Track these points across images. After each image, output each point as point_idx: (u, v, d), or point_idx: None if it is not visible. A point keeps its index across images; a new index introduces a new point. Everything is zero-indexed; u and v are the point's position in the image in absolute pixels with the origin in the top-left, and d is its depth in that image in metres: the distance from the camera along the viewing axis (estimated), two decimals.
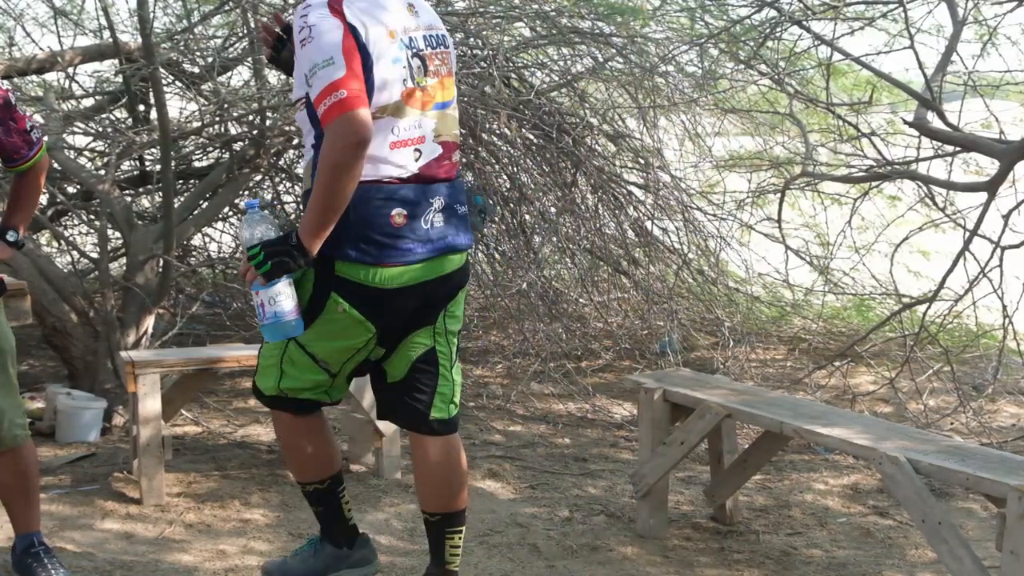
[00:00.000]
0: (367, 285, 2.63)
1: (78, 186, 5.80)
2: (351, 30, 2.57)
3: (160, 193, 5.04)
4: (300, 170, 2.71)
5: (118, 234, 5.29)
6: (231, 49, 5.68)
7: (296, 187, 6.52)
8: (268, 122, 5.23)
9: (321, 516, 2.99)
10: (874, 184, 5.77)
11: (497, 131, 5.83)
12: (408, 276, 2.67)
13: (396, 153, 2.64)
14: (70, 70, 5.87)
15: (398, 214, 2.65)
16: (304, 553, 3.03)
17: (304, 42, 2.54)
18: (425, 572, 2.93)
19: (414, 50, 2.69)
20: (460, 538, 2.90)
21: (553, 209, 6.04)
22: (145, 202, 6.47)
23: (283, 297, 2.60)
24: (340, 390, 2.89)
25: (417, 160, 2.68)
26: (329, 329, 2.69)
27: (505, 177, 6.18)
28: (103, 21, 5.43)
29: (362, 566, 3.02)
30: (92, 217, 5.93)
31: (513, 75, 5.84)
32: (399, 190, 2.64)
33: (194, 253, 6.19)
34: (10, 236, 3.16)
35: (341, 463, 2.99)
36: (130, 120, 6.01)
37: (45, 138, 3.64)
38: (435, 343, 2.81)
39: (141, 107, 5.90)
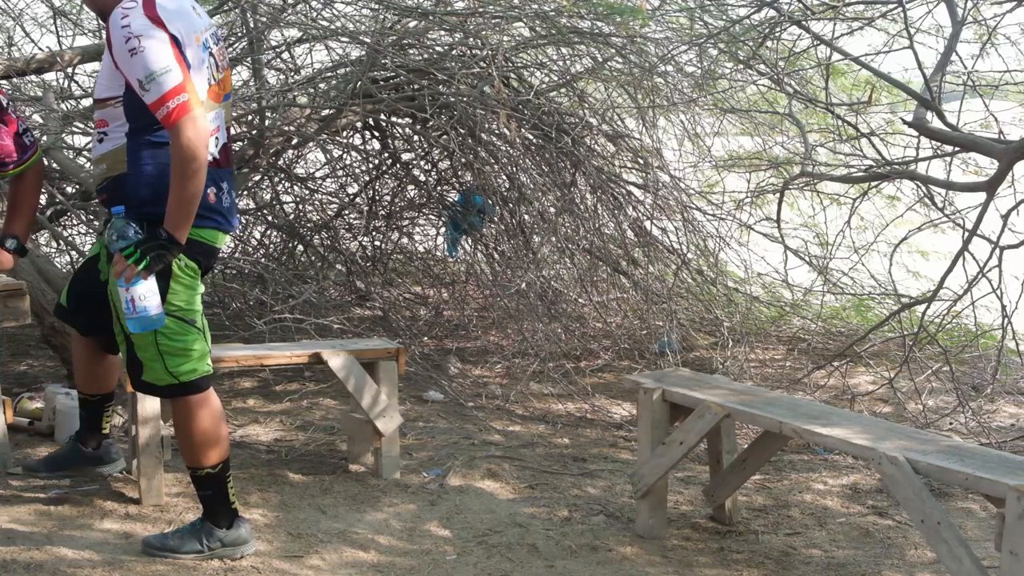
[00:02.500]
0: (194, 240, 3.13)
1: (77, 186, 5.79)
2: (174, 39, 3.00)
3: None
4: (102, 155, 3.20)
5: None
6: (230, 49, 5.67)
7: (295, 186, 6.52)
8: (267, 122, 5.23)
9: (209, 499, 3.36)
10: (873, 184, 5.76)
11: (496, 131, 5.83)
12: (219, 241, 3.29)
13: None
14: (69, 70, 5.87)
15: (212, 192, 3.17)
16: (184, 530, 3.39)
17: (134, 51, 2.94)
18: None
19: (208, 50, 3.15)
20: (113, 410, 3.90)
21: (552, 209, 6.04)
22: None
23: (151, 294, 3.02)
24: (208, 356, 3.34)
25: (216, 147, 3.20)
26: (182, 282, 3.17)
27: (504, 177, 6.18)
28: (102, 21, 5.43)
29: (238, 545, 3.37)
30: (92, 217, 5.93)
31: (512, 75, 5.84)
32: (212, 172, 3.12)
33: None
34: (9, 244, 3.13)
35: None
36: None
37: (44, 139, 3.63)
38: None
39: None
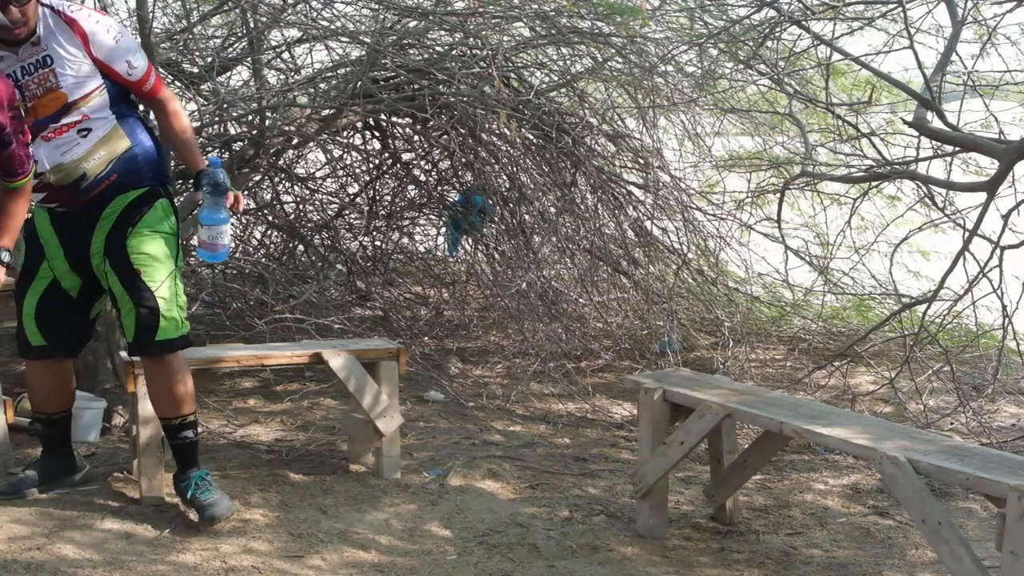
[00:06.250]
0: None
1: None
2: None
3: None
4: (86, 153, 3.47)
5: None
6: (230, 49, 5.68)
7: (296, 186, 6.52)
8: (267, 122, 5.23)
9: (191, 445, 3.60)
10: (874, 184, 5.76)
11: (496, 131, 5.82)
12: None
13: None
14: None
15: None
16: (202, 494, 3.57)
17: (117, 38, 3.41)
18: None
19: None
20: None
21: (553, 209, 6.04)
22: None
23: None
24: None
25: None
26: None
27: (505, 177, 6.18)
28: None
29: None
30: None
31: (512, 75, 5.84)
32: None
33: (194, 253, 6.18)
34: (4, 256, 3.12)
35: None
36: None
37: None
38: None
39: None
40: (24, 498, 3.70)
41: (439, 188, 6.66)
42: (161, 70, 3.66)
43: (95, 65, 3.39)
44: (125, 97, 3.51)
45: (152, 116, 3.80)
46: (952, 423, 5.05)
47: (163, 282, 3.47)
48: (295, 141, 5.65)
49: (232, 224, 3.68)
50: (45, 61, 3.35)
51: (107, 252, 3.50)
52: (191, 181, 5.20)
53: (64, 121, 3.40)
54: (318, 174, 6.80)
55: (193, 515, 3.58)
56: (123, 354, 4.06)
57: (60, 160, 3.41)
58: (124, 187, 3.50)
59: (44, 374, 3.74)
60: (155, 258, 3.48)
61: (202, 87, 5.68)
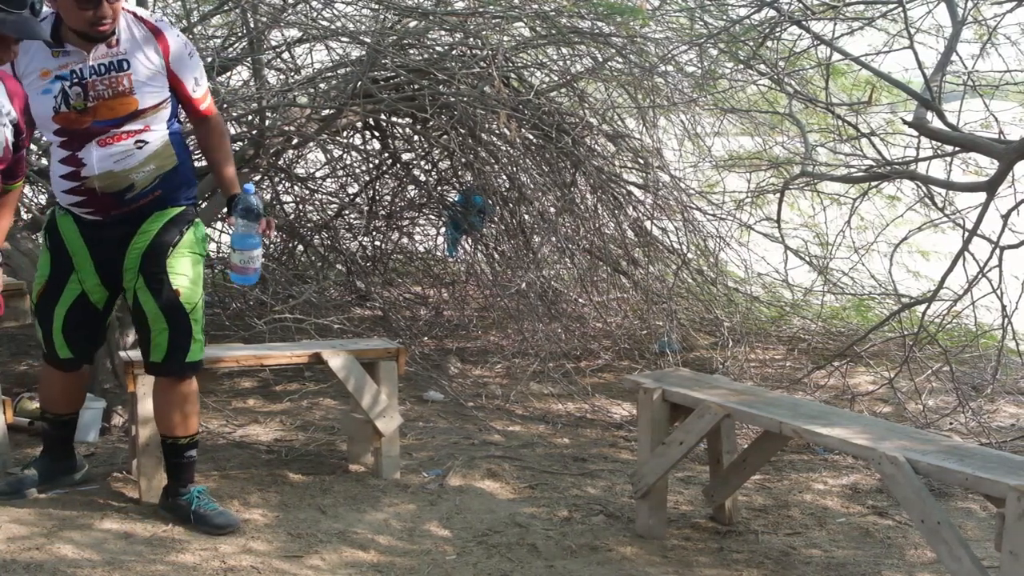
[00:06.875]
0: None
1: None
2: None
3: None
4: (140, 158, 3.47)
5: None
6: (230, 49, 5.67)
7: (296, 186, 6.53)
8: (267, 122, 5.23)
9: (192, 463, 3.64)
10: (873, 184, 5.76)
11: (496, 131, 5.82)
12: None
13: None
14: None
15: None
16: (206, 506, 3.61)
17: (191, 53, 3.48)
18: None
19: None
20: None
21: (552, 209, 6.04)
22: None
23: None
24: None
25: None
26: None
27: (504, 177, 6.18)
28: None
29: None
30: None
31: (512, 75, 5.84)
32: None
33: None
34: None
35: None
36: None
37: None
38: None
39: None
40: (24, 498, 3.70)
41: (439, 188, 6.66)
42: None
43: (168, 77, 3.42)
44: (177, 113, 3.54)
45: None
46: (951, 423, 5.05)
47: (196, 304, 3.51)
48: (295, 141, 5.65)
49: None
50: (120, 65, 3.33)
51: (142, 269, 3.47)
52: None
53: (126, 128, 3.38)
54: (318, 174, 6.80)
55: (201, 526, 3.55)
56: (123, 354, 4.07)
57: (111, 167, 3.38)
58: (163, 204, 3.50)
59: (61, 379, 3.73)
60: (193, 280, 3.51)
61: None
